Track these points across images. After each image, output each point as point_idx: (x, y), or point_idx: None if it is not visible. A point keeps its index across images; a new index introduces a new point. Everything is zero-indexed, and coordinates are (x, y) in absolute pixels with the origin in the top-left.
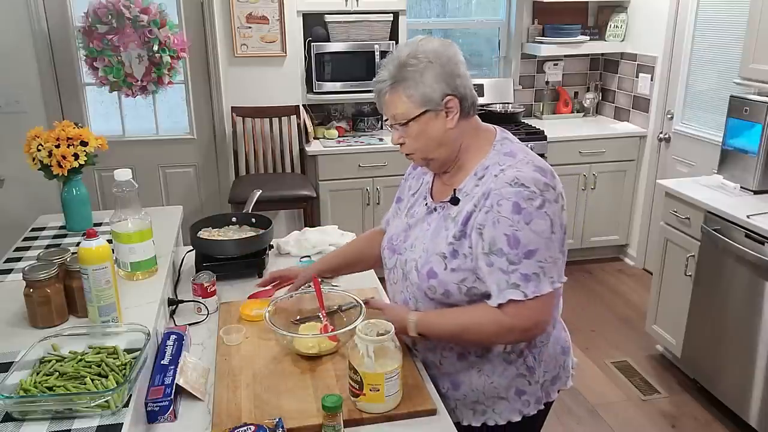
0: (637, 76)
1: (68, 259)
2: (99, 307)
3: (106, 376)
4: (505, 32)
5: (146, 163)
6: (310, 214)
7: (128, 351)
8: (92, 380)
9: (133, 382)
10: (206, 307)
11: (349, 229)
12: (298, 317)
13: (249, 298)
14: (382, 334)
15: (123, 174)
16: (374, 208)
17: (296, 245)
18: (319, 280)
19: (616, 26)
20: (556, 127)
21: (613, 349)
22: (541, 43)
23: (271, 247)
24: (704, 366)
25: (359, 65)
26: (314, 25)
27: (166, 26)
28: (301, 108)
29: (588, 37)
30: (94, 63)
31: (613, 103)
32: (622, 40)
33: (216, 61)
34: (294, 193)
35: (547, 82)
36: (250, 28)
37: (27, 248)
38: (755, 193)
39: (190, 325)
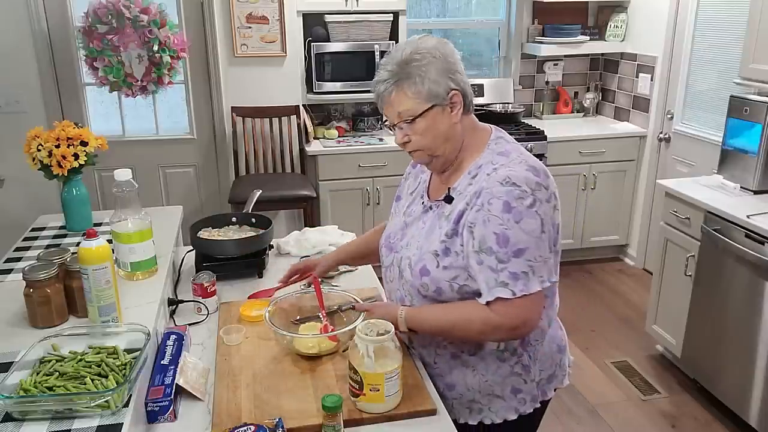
0: (637, 76)
1: (68, 259)
2: (99, 307)
3: (106, 376)
4: (505, 32)
5: (146, 163)
6: (310, 214)
7: (128, 351)
8: (92, 380)
9: (133, 382)
10: (206, 307)
11: (349, 229)
12: (298, 317)
13: (249, 298)
14: (382, 334)
15: (123, 174)
16: (374, 208)
17: (296, 245)
18: (320, 280)
19: (616, 26)
20: (556, 127)
21: (613, 349)
22: (541, 43)
23: (271, 247)
24: (704, 366)
25: (359, 65)
26: (314, 25)
27: (166, 26)
28: (301, 108)
29: (588, 37)
30: (94, 63)
31: (613, 103)
32: (622, 40)
33: (216, 61)
34: (294, 193)
35: (547, 82)
36: (250, 28)
37: (27, 248)
38: (755, 193)
39: (190, 325)
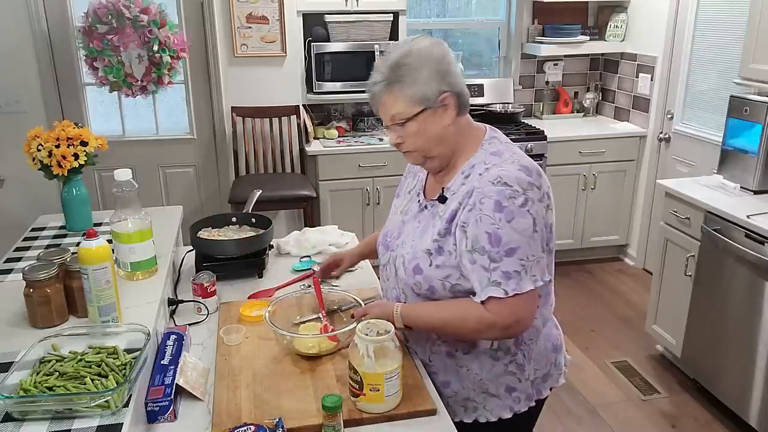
0: (637, 76)
1: (68, 259)
2: (99, 307)
3: (106, 376)
4: (505, 32)
5: (146, 163)
6: (310, 214)
7: (128, 351)
8: (92, 380)
9: (133, 382)
10: (206, 307)
11: (349, 229)
12: (298, 317)
13: (249, 298)
14: (382, 334)
15: (123, 174)
16: (374, 208)
17: (296, 245)
18: (320, 280)
19: (616, 26)
20: (556, 127)
21: (613, 349)
22: (541, 43)
23: (271, 247)
24: (704, 366)
25: (359, 65)
26: (314, 25)
27: (166, 26)
28: (301, 108)
29: (588, 37)
30: (94, 63)
31: (613, 103)
32: (622, 40)
33: (216, 61)
34: (294, 193)
35: (547, 82)
36: (250, 28)
37: (27, 248)
38: (755, 193)
39: (190, 325)
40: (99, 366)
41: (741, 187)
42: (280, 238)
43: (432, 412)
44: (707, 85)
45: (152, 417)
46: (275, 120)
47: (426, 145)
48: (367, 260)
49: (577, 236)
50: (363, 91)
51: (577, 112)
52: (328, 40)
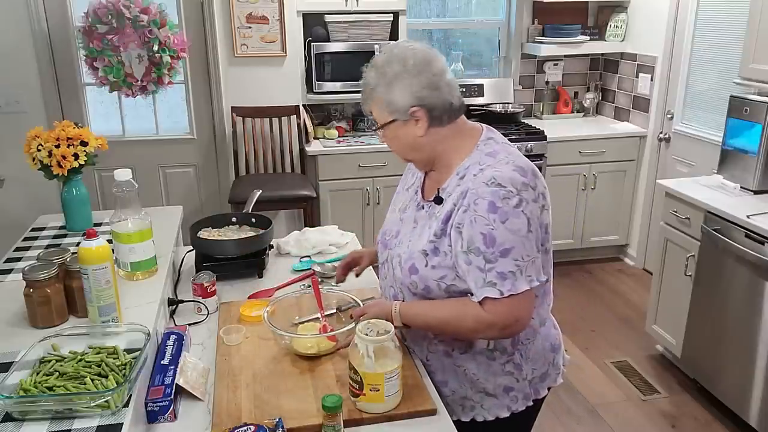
0: (637, 76)
1: (68, 259)
2: (99, 307)
3: (106, 376)
4: (505, 32)
5: (146, 163)
6: (310, 214)
7: (128, 351)
8: (92, 380)
9: (133, 382)
10: (206, 307)
11: (349, 229)
12: (297, 317)
13: (249, 298)
14: (382, 334)
15: (123, 174)
16: (374, 208)
17: (296, 245)
18: (318, 280)
19: (616, 26)
20: (556, 127)
21: (613, 349)
22: (541, 43)
23: (271, 247)
24: (704, 366)
25: (359, 65)
26: (314, 25)
27: (166, 26)
28: (301, 108)
29: (588, 37)
30: (94, 63)
31: (613, 103)
32: (622, 40)
33: (216, 61)
34: (294, 193)
35: (547, 82)
36: (250, 28)
37: (27, 248)
38: (755, 193)
39: (190, 325)
40: (99, 366)
41: (741, 187)
42: (280, 238)
43: (432, 412)
44: (707, 85)
45: (152, 417)
46: (275, 120)
47: (401, 151)
48: None
49: (577, 236)
50: None
51: (577, 112)
52: (328, 40)
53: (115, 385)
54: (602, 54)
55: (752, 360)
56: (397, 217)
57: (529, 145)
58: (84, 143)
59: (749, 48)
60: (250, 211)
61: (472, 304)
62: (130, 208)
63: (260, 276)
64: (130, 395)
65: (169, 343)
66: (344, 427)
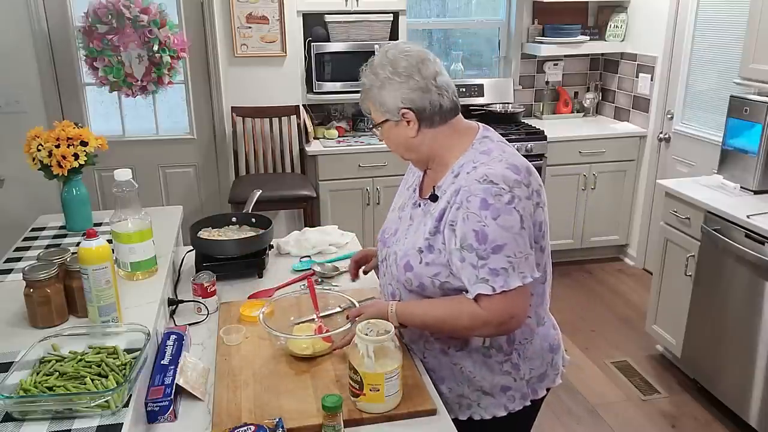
0: (637, 76)
1: (68, 259)
2: (99, 307)
3: (106, 376)
4: (505, 32)
5: (146, 163)
6: (310, 214)
7: (128, 351)
8: (92, 380)
9: (133, 382)
10: (206, 307)
11: (349, 229)
12: (292, 318)
13: (249, 298)
14: (382, 334)
15: (123, 174)
16: (374, 208)
17: (296, 245)
18: (315, 280)
19: (616, 26)
20: (556, 127)
21: (613, 349)
22: (541, 43)
23: (271, 247)
24: (704, 366)
25: (359, 65)
26: (314, 25)
27: (166, 26)
28: (301, 108)
29: (588, 37)
30: (94, 63)
31: (613, 103)
32: (622, 40)
33: (216, 61)
34: (294, 193)
35: (547, 82)
36: (250, 28)
37: (27, 248)
38: (755, 193)
39: (190, 325)
40: (99, 366)
41: (741, 187)
42: (280, 238)
43: (432, 412)
44: (707, 85)
45: (152, 417)
46: (275, 120)
47: (396, 150)
48: None
49: (577, 236)
50: None
51: (577, 112)
52: (328, 40)
53: (115, 385)
54: (602, 54)
55: (752, 360)
56: (396, 216)
57: (529, 145)
58: (84, 143)
59: (749, 48)
60: (250, 211)
61: (467, 302)
62: (130, 208)
63: (260, 276)
64: (130, 395)
65: (169, 343)
66: (344, 427)
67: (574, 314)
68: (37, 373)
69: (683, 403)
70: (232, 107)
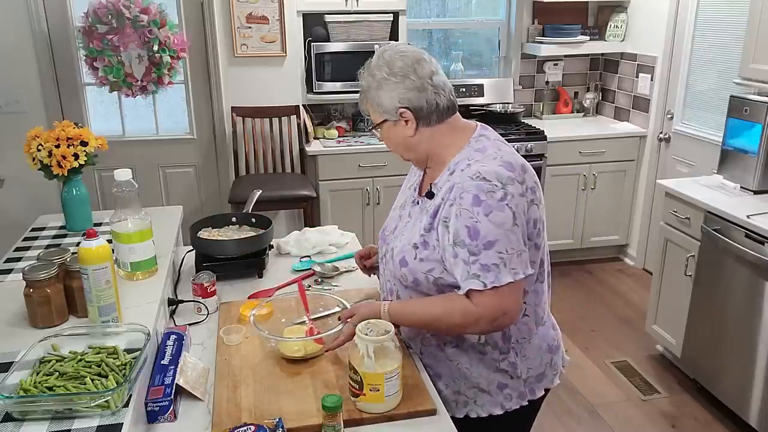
0: (637, 76)
1: (68, 259)
2: (99, 307)
3: (106, 376)
4: (505, 32)
5: (146, 163)
6: (310, 214)
7: (128, 351)
8: (92, 380)
9: (133, 382)
10: (206, 307)
11: (349, 229)
12: (283, 320)
13: (249, 298)
14: (382, 334)
15: (123, 174)
16: (374, 208)
17: (296, 245)
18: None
19: (616, 26)
20: (556, 127)
21: (613, 349)
22: (541, 43)
23: (271, 247)
24: (704, 366)
25: (359, 65)
26: (314, 25)
27: (166, 26)
28: (301, 108)
29: (588, 37)
30: (94, 63)
31: (613, 103)
32: (622, 40)
33: (216, 61)
34: (294, 193)
35: (547, 82)
36: (250, 28)
37: (27, 248)
38: (755, 193)
39: (190, 325)
40: (99, 366)
41: (741, 187)
42: (280, 238)
43: (432, 412)
44: (707, 85)
45: (152, 417)
46: (275, 120)
47: (395, 149)
48: None
49: (577, 236)
50: None
51: (577, 112)
52: (328, 40)
53: (115, 385)
54: (602, 54)
55: (752, 360)
56: (397, 214)
57: (529, 145)
58: (84, 143)
59: (749, 48)
60: (250, 211)
61: (460, 299)
62: (130, 208)
63: (260, 276)
64: (130, 395)
65: (169, 343)
66: (344, 427)
67: (574, 314)
68: (37, 373)
69: (683, 403)
70: (232, 107)
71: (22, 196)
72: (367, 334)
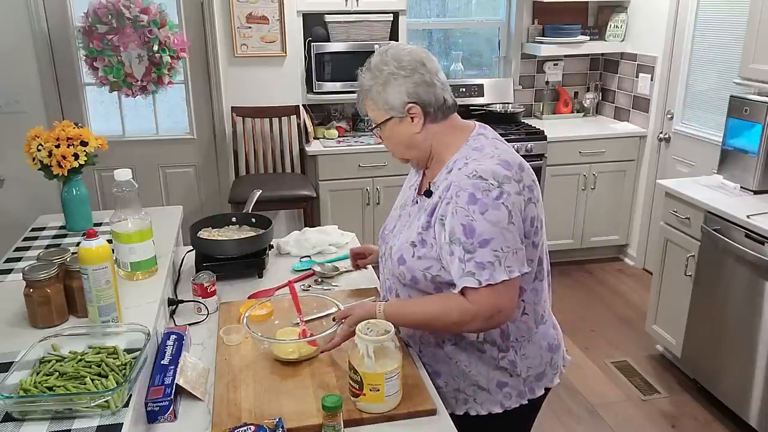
0: (637, 76)
1: (68, 259)
2: (99, 307)
3: (106, 376)
4: (505, 32)
5: (146, 163)
6: (310, 214)
7: (128, 351)
8: (92, 380)
9: (133, 382)
10: (206, 307)
11: (349, 229)
12: (277, 322)
13: (249, 298)
14: (382, 334)
15: (123, 174)
16: (374, 208)
17: (296, 245)
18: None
19: (616, 26)
20: (556, 127)
21: (613, 349)
22: (541, 43)
23: (271, 247)
24: (704, 366)
25: (359, 65)
26: (314, 25)
27: (166, 26)
28: (301, 108)
29: (588, 37)
30: (94, 63)
31: (613, 103)
32: (622, 40)
33: (216, 61)
34: (294, 193)
35: (547, 82)
36: (250, 28)
37: (27, 248)
38: (755, 193)
39: (190, 325)
40: (99, 366)
41: (741, 187)
42: (280, 238)
43: (432, 412)
44: (707, 85)
45: (152, 417)
46: (275, 120)
47: (396, 149)
48: None
49: (577, 236)
50: None
51: (577, 112)
52: (328, 40)
53: (115, 385)
54: (602, 54)
55: (752, 360)
56: (397, 214)
57: (529, 145)
58: (84, 143)
59: (749, 48)
60: (250, 211)
61: (456, 297)
62: (130, 208)
63: (260, 276)
64: (130, 395)
65: (169, 343)
66: (344, 427)
67: (574, 314)
68: (37, 373)
69: (683, 403)
70: (232, 107)
71: (22, 196)
72: (367, 334)
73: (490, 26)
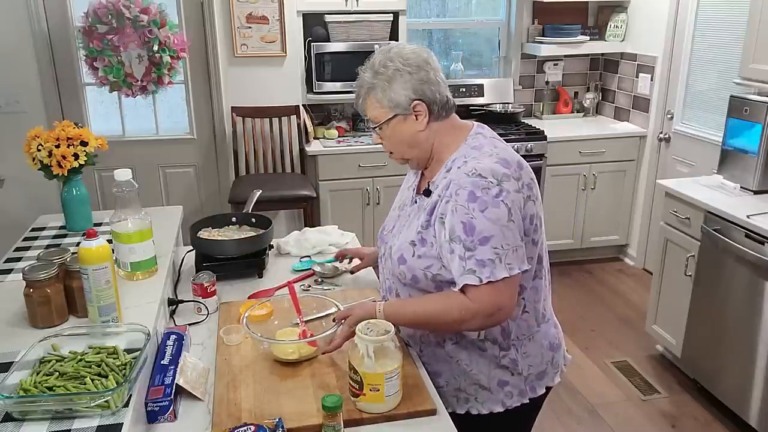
0: (637, 76)
1: (68, 259)
2: (99, 307)
3: (106, 376)
4: (505, 32)
5: (146, 163)
6: (310, 214)
7: (128, 351)
8: (92, 380)
9: (133, 382)
10: (206, 307)
11: (349, 229)
12: (276, 323)
13: (249, 298)
14: (382, 334)
15: (123, 174)
16: (374, 208)
17: (296, 245)
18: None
19: (616, 26)
20: (556, 127)
21: (613, 349)
22: (541, 43)
23: (271, 247)
24: (704, 366)
25: (359, 65)
26: (314, 25)
27: (166, 26)
28: (301, 108)
29: (588, 37)
30: (94, 63)
31: (613, 103)
32: (622, 40)
33: (216, 61)
34: (294, 193)
35: (547, 82)
36: (250, 28)
37: (27, 248)
38: (755, 193)
39: (190, 325)
40: (99, 366)
41: (741, 187)
42: (280, 238)
43: (432, 412)
44: (707, 85)
45: (152, 417)
46: (275, 120)
47: (398, 148)
48: None
49: (577, 236)
50: None
51: (577, 112)
52: (328, 40)
53: (115, 385)
54: (602, 54)
55: (752, 360)
56: (396, 214)
57: (529, 145)
58: (84, 143)
59: (749, 48)
60: (250, 211)
61: (456, 295)
62: (130, 208)
63: (260, 276)
64: (130, 395)
65: (169, 343)
66: (344, 427)
67: (574, 314)
68: (37, 373)
69: (683, 403)
70: (232, 107)
71: (22, 196)
72: (367, 334)
73: (490, 26)
